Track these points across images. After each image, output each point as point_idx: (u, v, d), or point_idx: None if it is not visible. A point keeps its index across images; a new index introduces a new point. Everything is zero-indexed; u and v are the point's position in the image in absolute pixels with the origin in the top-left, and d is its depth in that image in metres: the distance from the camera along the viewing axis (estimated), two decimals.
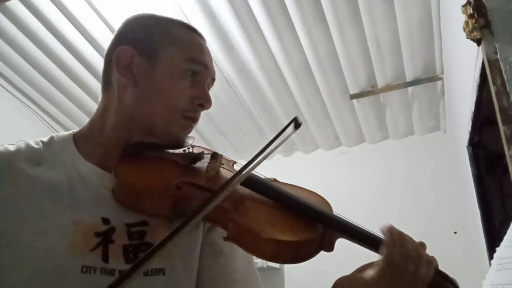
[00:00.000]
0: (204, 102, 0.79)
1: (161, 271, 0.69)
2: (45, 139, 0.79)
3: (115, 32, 0.82)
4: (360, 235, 0.68)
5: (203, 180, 0.73)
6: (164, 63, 0.76)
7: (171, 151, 0.80)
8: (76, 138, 0.79)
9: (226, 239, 0.66)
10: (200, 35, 0.83)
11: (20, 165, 0.72)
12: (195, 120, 0.80)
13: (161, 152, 0.78)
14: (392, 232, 0.65)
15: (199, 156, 0.78)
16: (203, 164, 0.77)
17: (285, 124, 0.78)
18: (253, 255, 0.66)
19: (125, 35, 0.80)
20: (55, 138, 0.79)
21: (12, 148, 0.74)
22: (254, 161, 0.65)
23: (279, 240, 0.63)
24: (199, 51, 0.80)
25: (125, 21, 0.82)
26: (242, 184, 0.72)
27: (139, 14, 0.83)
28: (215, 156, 0.77)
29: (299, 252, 0.65)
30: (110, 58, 0.78)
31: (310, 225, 0.68)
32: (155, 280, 0.68)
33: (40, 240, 0.65)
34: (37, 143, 0.77)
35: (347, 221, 0.69)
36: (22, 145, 0.75)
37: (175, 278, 0.71)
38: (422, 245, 0.67)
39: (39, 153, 0.75)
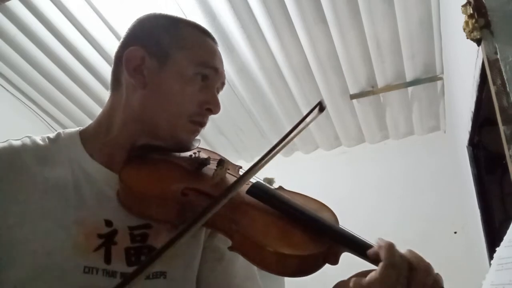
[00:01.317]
0: (212, 107, 0.78)
1: (162, 274, 0.69)
2: (52, 135, 0.78)
3: (127, 31, 0.81)
4: (366, 251, 0.65)
5: (209, 187, 0.72)
6: (175, 66, 0.75)
7: (178, 154, 0.79)
8: (83, 135, 0.79)
9: (231, 249, 0.65)
10: (212, 38, 0.82)
11: (25, 161, 0.71)
12: (202, 124, 0.79)
13: (167, 155, 0.77)
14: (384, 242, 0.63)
15: (205, 162, 0.77)
16: (209, 169, 0.76)
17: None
18: (257, 266, 0.65)
19: (137, 35, 0.79)
20: (62, 135, 0.78)
21: (16, 144, 0.74)
22: (268, 154, 0.66)
23: (285, 254, 0.62)
24: (210, 55, 0.79)
25: (137, 20, 0.81)
26: (248, 193, 0.72)
27: (151, 14, 0.82)
28: (221, 163, 0.75)
29: (304, 266, 0.64)
30: (120, 58, 0.77)
31: (316, 239, 0.66)
32: (156, 283, 0.68)
33: (43, 238, 0.64)
34: (43, 140, 0.76)
35: (354, 236, 0.67)
36: (27, 141, 0.75)
37: (176, 282, 0.70)
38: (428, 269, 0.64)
39: (45, 150, 0.74)
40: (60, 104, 3.02)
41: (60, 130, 0.80)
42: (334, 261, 0.66)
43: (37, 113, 3.06)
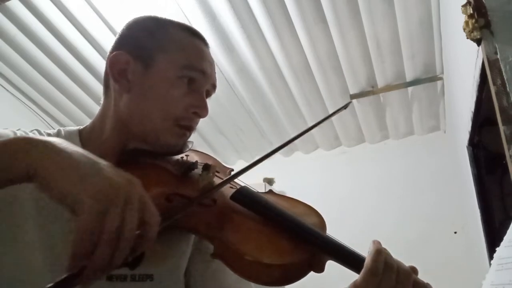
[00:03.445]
0: (199, 111, 0.76)
1: (149, 277, 0.69)
2: (52, 132, 0.78)
3: (117, 35, 0.81)
4: (352, 261, 0.64)
5: (195, 192, 0.70)
6: (159, 70, 0.74)
7: (168, 158, 0.78)
8: (82, 135, 0.79)
9: (213, 256, 0.64)
10: (202, 39, 0.80)
11: None
12: (190, 128, 0.78)
13: (156, 159, 0.76)
14: (378, 245, 0.63)
15: (192, 166, 0.76)
16: (197, 174, 0.75)
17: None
18: (239, 275, 0.63)
19: (124, 39, 0.79)
20: (62, 133, 0.78)
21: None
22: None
23: (265, 263, 0.61)
24: (197, 57, 0.77)
25: (126, 24, 0.81)
26: (232, 198, 0.70)
27: (140, 17, 0.81)
28: (207, 168, 0.74)
29: (287, 275, 0.62)
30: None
31: (300, 246, 0.65)
32: (142, 286, 0.68)
33: (40, 235, 0.64)
34: (47, 136, 0.76)
35: (339, 244, 0.66)
36: (38, 135, 0.75)
37: (163, 284, 0.70)
38: (414, 270, 0.65)
39: None
40: (60, 104, 3.02)
41: (60, 128, 0.80)
42: (319, 269, 0.65)
43: (37, 113, 3.06)
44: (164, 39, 0.77)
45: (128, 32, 0.80)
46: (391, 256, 0.63)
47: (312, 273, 0.65)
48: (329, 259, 0.66)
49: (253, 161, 0.70)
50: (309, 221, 0.71)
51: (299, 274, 0.63)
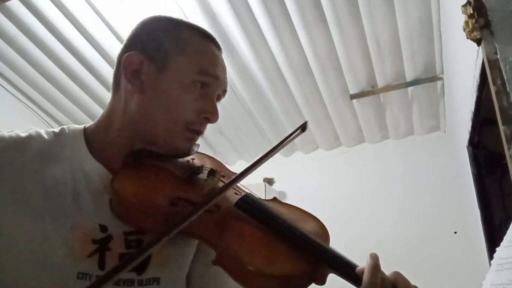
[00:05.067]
0: (210, 116, 0.76)
1: (156, 280, 0.69)
2: (57, 130, 0.77)
3: (129, 34, 0.79)
4: (354, 276, 0.63)
5: (199, 197, 0.70)
6: (173, 73, 0.73)
7: (173, 160, 0.77)
8: (87, 133, 0.77)
9: (214, 262, 0.64)
10: (216, 43, 0.80)
11: (28, 157, 0.70)
12: (199, 133, 0.77)
13: (162, 162, 0.76)
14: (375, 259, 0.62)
15: (197, 171, 0.75)
16: (202, 178, 0.75)
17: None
18: (239, 284, 0.63)
19: (138, 38, 0.78)
20: (66, 131, 0.77)
21: (23, 135, 0.72)
22: (256, 163, 0.64)
23: (266, 274, 0.61)
24: (211, 63, 0.76)
25: (140, 23, 0.79)
26: (236, 206, 0.70)
27: (154, 16, 0.80)
28: (212, 173, 0.74)
29: (288, 286, 0.62)
30: (121, 61, 0.76)
31: (302, 257, 0.64)
32: None
33: (38, 242, 0.63)
34: (48, 134, 0.75)
35: (342, 257, 0.65)
36: (34, 134, 0.73)
37: (169, 287, 0.70)
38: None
39: (49, 147, 0.73)
40: (60, 104, 3.02)
41: (64, 126, 0.79)
42: (321, 281, 0.64)
43: (37, 113, 3.06)
44: (179, 41, 0.76)
45: (142, 32, 0.78)
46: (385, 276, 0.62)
47: (313, 285, 0.64)
48: (331, 272, 0.65)
49: (250, 164, 0.69)
50: (312, 231, 0.70)
51: (300, 286, 0.63)
